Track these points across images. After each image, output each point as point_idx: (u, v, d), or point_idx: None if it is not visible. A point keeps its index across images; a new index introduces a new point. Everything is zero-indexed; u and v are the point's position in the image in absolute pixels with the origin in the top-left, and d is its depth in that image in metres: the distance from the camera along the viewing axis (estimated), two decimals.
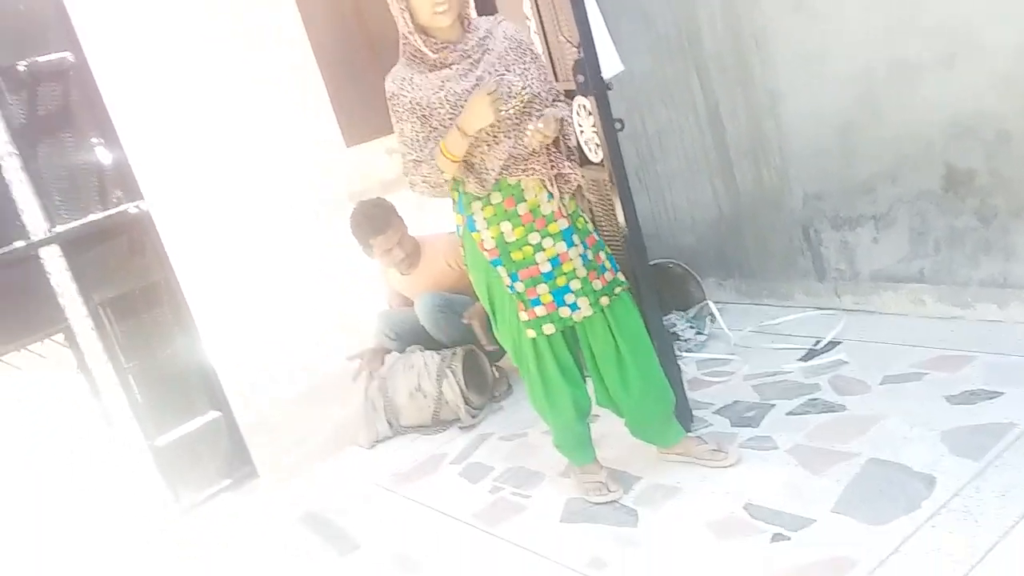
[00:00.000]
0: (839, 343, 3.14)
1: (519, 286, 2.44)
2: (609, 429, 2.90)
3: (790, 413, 2.76)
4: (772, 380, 3.02)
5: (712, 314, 3.62)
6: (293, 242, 5.12)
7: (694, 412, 2.88)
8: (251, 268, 4.77)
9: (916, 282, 3.15)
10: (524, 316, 2.46)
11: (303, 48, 6.15)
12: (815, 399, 2.80)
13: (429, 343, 3.64)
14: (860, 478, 2.33)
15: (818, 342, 3.18)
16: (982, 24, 2.66)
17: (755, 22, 3.26)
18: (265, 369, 4.42)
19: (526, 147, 2.35)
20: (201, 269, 4.27)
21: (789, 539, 2.18)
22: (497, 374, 3.63)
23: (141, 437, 3.29)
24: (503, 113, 2.28)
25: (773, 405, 2.84)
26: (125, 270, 3.33)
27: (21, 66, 3.10)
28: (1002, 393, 2.51)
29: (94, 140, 3.26)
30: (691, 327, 3.53)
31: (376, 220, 3.60)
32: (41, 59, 3.14)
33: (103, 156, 3.27)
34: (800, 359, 3.10)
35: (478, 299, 2.62)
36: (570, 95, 2.79)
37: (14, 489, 3.16)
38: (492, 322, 2.59)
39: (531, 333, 2.48)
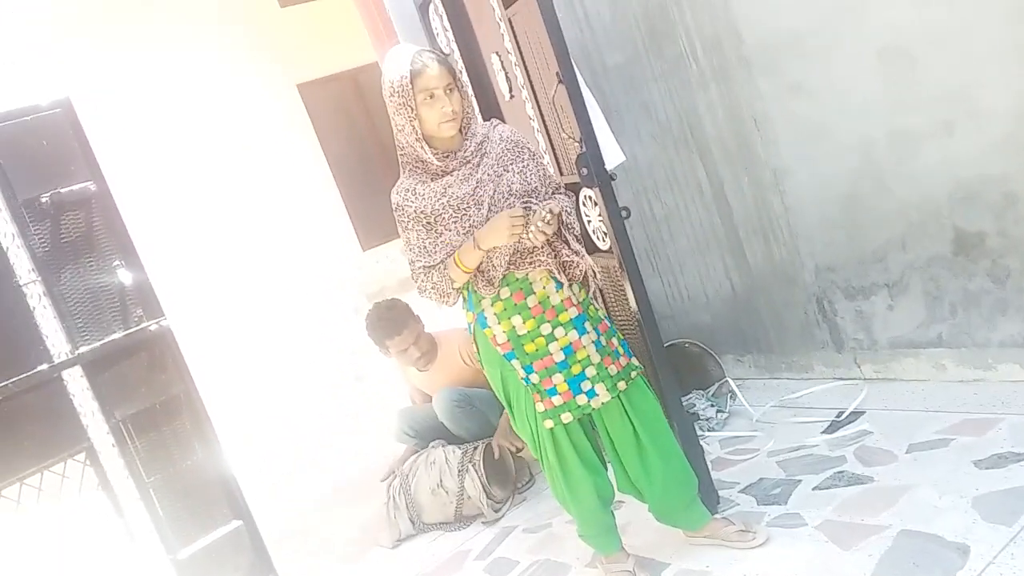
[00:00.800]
0: (862, 413, 3.09)
1: (534, 377, 2.44)
2: (634, 516, 2.85)
3: (817, 488, 2.70)
4: (797, 455, 2.96)
5: (732, 391, 3.59)
6: (312, 347, 5.16)
7: (720, 492, 2.83)
8: (270, 374, 4.81)
9: (935, 347, 3.11)
10: (541, 407, 2.46)
11: (317, 157, 6.35)
12: (841, 472, 2.74)
13: (450, 439, 3.63)
14: (892, 551, 2.26)
15: (841, 413, 3.13)
16: (978, 91, 2.71)
17: (754, 105, 3.33)
18: (286, 475, 4.40)
19: (530, 243, 2.39)
20: (220, 379, 4.30)
21: None
22: (518, 466, 3.59)
23: (163, 551, 3.25)
24: (522, 240, 2.32)
25: (799, 480, 2.78)
26: (146, 386, 3.35)
27: (44, 197, 3.20)
28: None
29: (116, 263, 3.33)
30: (712, 406, 3.50)
31: (391, 322, 3.64)
32: (63, 189, 3.26)
33: (124, 277, 3.34)
34: (824, 432, 3.05)
35: (496, 398, 2.62)
36: (575, 188, 2.85)
37: None
38: (510, 416, 2.58)
39: (549, 424, 2.46)
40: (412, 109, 2.33)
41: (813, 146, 3.21)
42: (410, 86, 2.31)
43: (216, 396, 4.01)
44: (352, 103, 7.34)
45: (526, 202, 2.41)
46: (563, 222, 2.46)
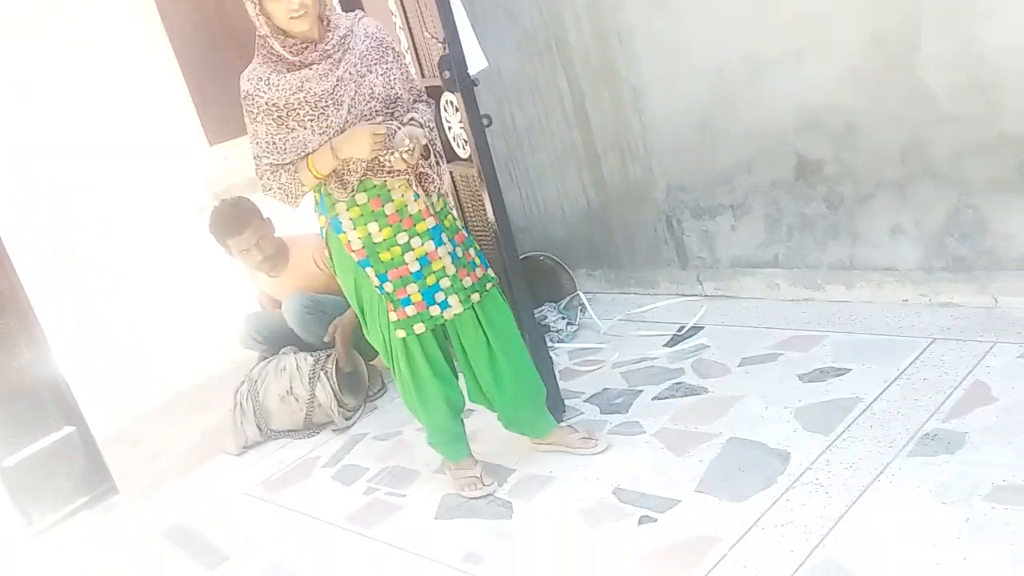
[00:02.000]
0: (701, 328, 3.25)
1: (388, 286, 2.41)
2: (483, 424, 2.91)
3: (656, 398, 2.84)
4: (639, 367, 3.09)
5: (583, 304, 3.69)
6: (153, 245, 4.89)
7: (566, 401, 2.92)
8: (106, 274, 4.53)
9: (771, 267, 3.30)
10: (394, 316, 2.43)
11: (160, 40, 5.89)
12: (679, 383, 2.89)
13: (300, 345, 3.55)
14: (721, 457, 2.42)
15: (682, 328, 3.28)
16: (830, 20, 2.79)
17: (618, 20, 3.33)
18: (123, 379, 4.20)
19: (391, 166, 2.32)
20: (51, 277, 4.02)
21: (656, 520, 2.24)
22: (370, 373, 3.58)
23: None
24: (377, 155, 2.26)
25: (640, 391, 2.92)
26: None
27: None
28: (849, 370, 2.65)
29: None
30: (563, 318, 3.58)
31: (232, 221, 3.49)
32: None
33: None
34: (665, 345, 3.19)
35: (347, 301, 2.57)
36: (436, 91, 2.77)
37: None
38: (362, 323, 2.55)
39: (401, 333, 2.45)
40: (257, 4, 2.19)
41: (672, 66, 3.25)
42: None
43: (46, 295, 3.75)
44: None
45: (389, 114, 2.32)
46: (427, 140, 2.40)
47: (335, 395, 3.35)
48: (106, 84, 5.33)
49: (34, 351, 3.21)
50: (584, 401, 2.96)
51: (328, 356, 3.44)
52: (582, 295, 3.73)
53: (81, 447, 3.29)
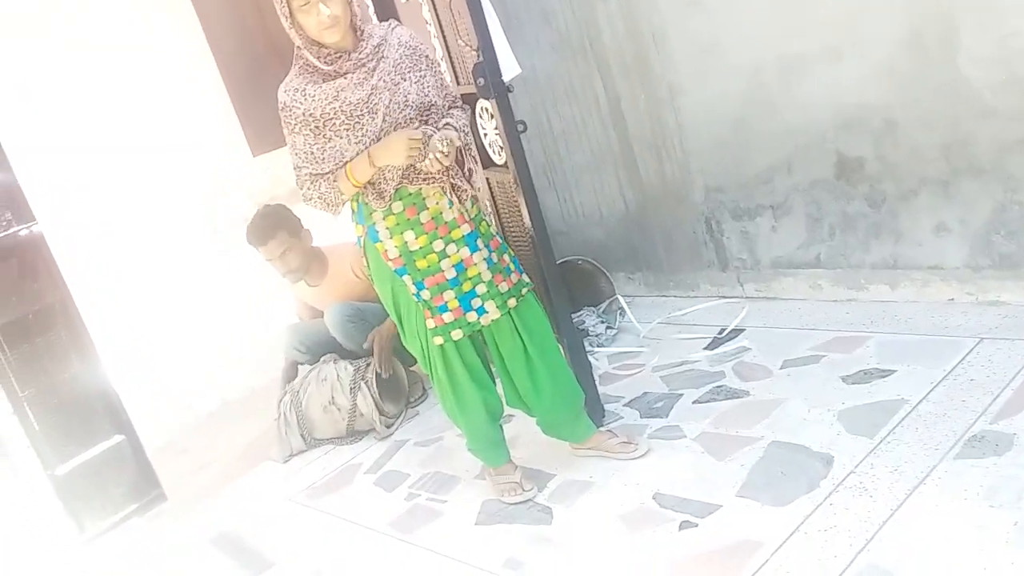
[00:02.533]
0: (742, 330, 3.21)
1: (425, 294, 2.43)
2: (522, 429, 2.91)
3: (696, 401, 2.82)
4: (679, 370, 3.07)
5: (622, 308, 3.67)
6: (198, 256, 4.98)
7: (605, 406, 2.91)
8: (153, 285, 4.63)
9: (813, 267, 3.25)
10: (431, 323, 2.45)
11: (205, 55, 6.00)
12: (720, 386, 2.86)
13: (341, 354, 3.59)
14: (763, 461, 2.39)
15: (722, 330, 3.25)
16: (864, 18, 2.75)
17: (652, 19, 3.31)
18: (171, 389, 4.29)
19: (426, 168, 2.33)
20: (99, 289, 4.11)
21: (696, 526, 2.22)
22: (410, 380, 3.60)
23: (40, 467, 3.16)
24: (416, 164, 2.28)
25: (681, 395, 2.89)
26: (17, 295, 3.20)
27: None
28: (894, 371, 2.60)
29: None
30: (602, 322, 3.57)
31: (258, 231, 3.54)
32: None
33: None
34: (706, 348, 3.17)
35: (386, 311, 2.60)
36: (471, 98, 2.79)
37: None
38: (400, 331, 2.57)
39: (439, 340, 2.46)
40: (288, 17, 2.23)
41: (707, 65, 3.23)
42: None
43: (95, 306, 3.84)
44: None
45: (424, 121, 2.34)
46: (462, 143, 2.41)
47: (376, 404, 3.38)
48: (152, 96, 5.44)
49: (84, 362, 3.29)
50: (624, 405, 2.95)
51: (368, 365, 3.47)
52: (621, 299, 3.71)
53: (131, 455, 3.36)
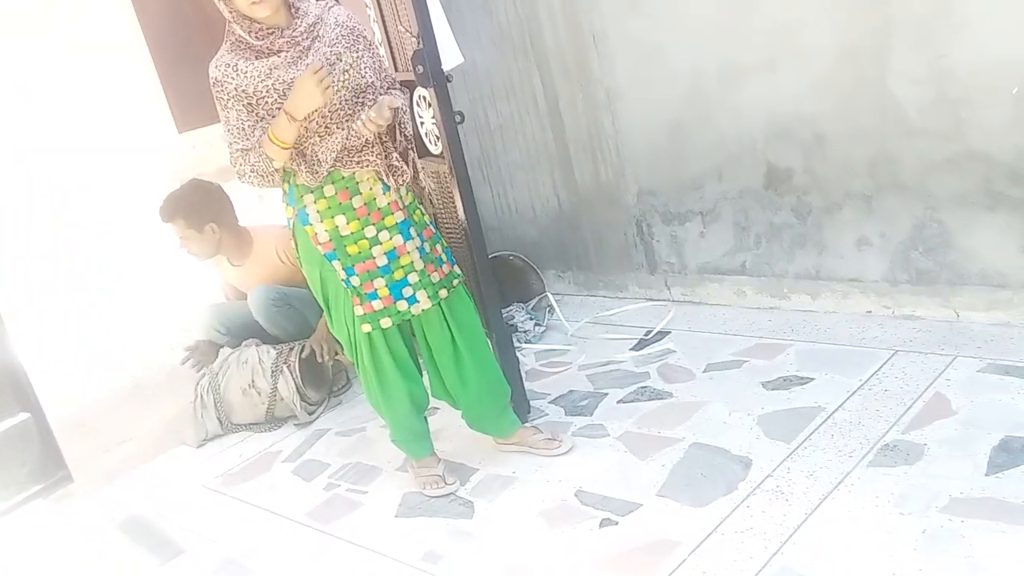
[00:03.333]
0: (668, 333, 3.26)
1: (355, 280, 2.39)
2: (446, 422, 2.90)
3: (621, 401, 2.84)
4: (605, 369, 3.10)
5: (551, 306, 3.69)
6: (117, 230, 4.81)
7: (531, 402, 2.91)
8: (66, 257, 4.45)
9: (739, 274, 3.32)
10: (360, 310, 2.41)
11: (130, 24, 5.78)
12: (644, 387, 2.90)
13: (264, 338, 3.51)
14: (684, 462, 2.42)
15: (649, 332, 3.30)
16: (803, 30, 2.82)
17: (593, 21, 3.33)
18: (82, 366, 4.12)
19: (359, 137, 2.29)
20: (7, 259, 3.94)
21: (617, 524, 2.24)
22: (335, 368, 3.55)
23: None
24: (332, 92, 2.20)
25: (606, 394, 2.92)
26: None
27: None
28: (812, 379, 2.68)
29: None
30: (531, 319, 3.57)
31: (161, 211, 3.51)
32: None
33: None
34: (632, 348, 3.20)
35: (314, 296, 2.54)
36: (410, 86, 2.75)
37: None
38: (327, 316, 2.52)
39: (367, 327, 2.43)
40: None
41: (646, 69, 3.26)
42: None
43: (2, 277, 3.67)
44: None
45: (360, 102, 2.29)
46: (397, 121, 2.38)
47: (298, 389, 3.31)
48: (75, 66, 5.23)
49: None
50: (549, 402, 2.96)
51: (291, 349, 3.40)
52: (551, 296, 3.73)
53: (36, 434, 3.22)
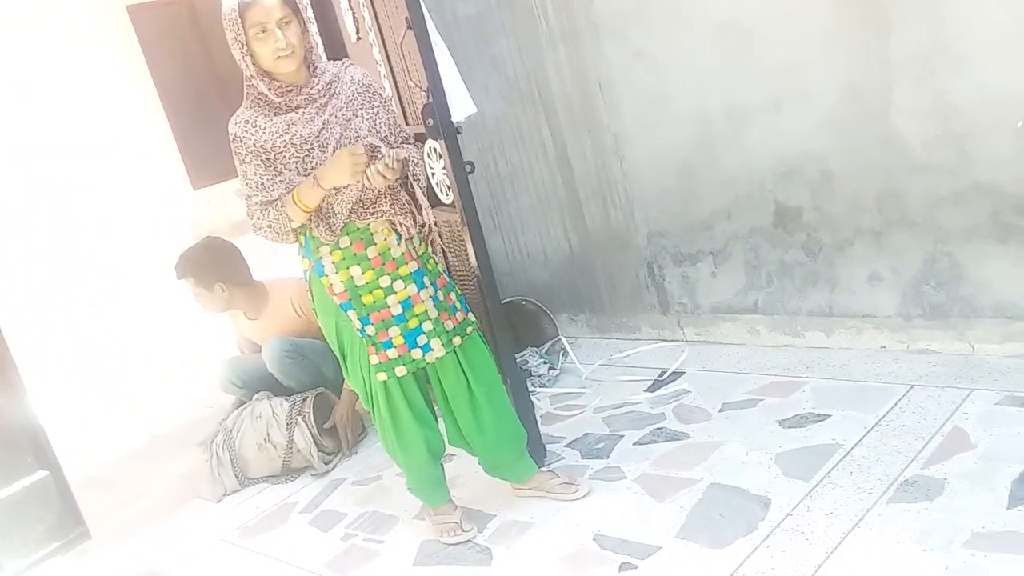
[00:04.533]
0: (682, 373, 3.25)
1: (370, 329, 2.41)
2: (463, 469, 2.89)
3: (637, 443, 2.83)
4: (621, 411, 3.09)
5: (565, 349, 3.69)
6: (135, 289, 4.88)
7: (547, 446, 2.90)
8: (83, 316, 4.51)
9: (751, 313, 3.32)
10: (375, 359, 2.43)
11: (147, 87, 5.93)
12: (660, 428, 2.88)
13: (277, 390, 3.52)
14: (702, 503, 2.41)
15: (663, 373, 3.29)
16: (807, 70, 2.86)
17: (600, 69, 3.38)
18: (99, 424, 4.15)
19: (372, 190, 2.34)
20: (28, 318, 3.99)
21: (636, 567, 2.22)
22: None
23: None
24: (364, 187, 2.27)
25: (622, 436, 2.91)
26: None
27: None
28: (829, 415, 2.66)
29: None
30: (544, 363, 3.58)
31: (176, 267, 3.57)
32: None
33: None
34: (647, 390, 3.19)
35: (328, 346, 2.56)
36: (420, 138, 2.80)
37: None
38: (342, 367, 2.54)
39: (382, 376, 2.44)
40: (244, 45, 2.22)
41: (653, 114, 3.30)
42: (239, 20, 2.21)
43: (22, 336, 3.72)
44: (186, 29, 6.86)
45: (373, 158, 2.34)
46: (410, 173, 2.42)
47: (314, 439, 3.31)
48: (97, 130, 5.36)
49: (9, 394, 3.16)
50: (565, 446, 2.95)
51: (304, 400, 3.41)
52: (564, 340, 3.74)
53: (55, 492, 3.22)
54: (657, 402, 3.08)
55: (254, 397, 3.48)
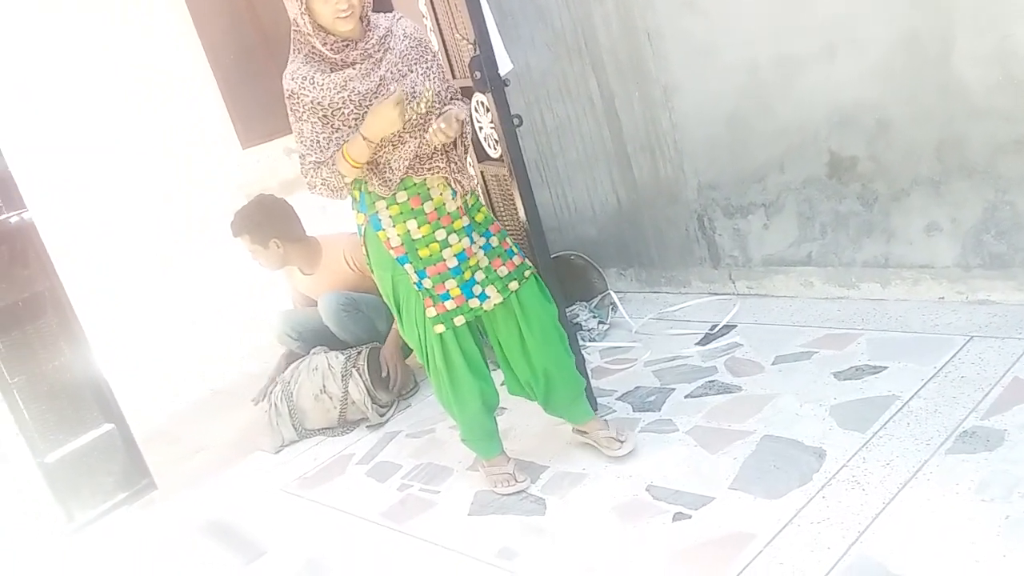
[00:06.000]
0: (734, 326, 3.24)
1: (427, 282, 2.43)
2: (515, 421, 2.93)
3: (689, 396, 2.84)
4: (671, 365, 3.09)
5: (614, 303, 3.69)
6: (190, 246, 4.97)
7: (598, 399, 2.92)
8: (144, 274, 4.62)
9: (804, 265, 3.28)
10: (433, 311, 2.44)
11: (193, 46, 5.97)
12: (712, 381, 2.88)
13: (333, 343, 3.59)
14: (756, 455, 2.41)
15: (714, 326, 3.28)
16: (861, 18, 2.78)
17: (647, 19, 3.33)
18: (162, 378, 4.28)
19: (429, 145, 2.34)
20: (90, 277, 4.10)
21: (690, 517, 2.24)
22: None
23: (29, 454, 3.13)
24: (409, 119, 2.26)
25: (673, 389, 2.91)
26: (7, 282, 3.17)
27: None
28: (885, 368, 2.63)
29: None
30: (594, 317, 3.58)
31: (232, 225, 3.64)
32: None
33: None
34: (697, 343, 3.19)
35: (383, 303, 2.59)
36: (467, 92, 2.79)
37: None
38: (398, 320, 2.57)
39: (440, 328, 2.46)
40: (303, 2, 2.21)
41: (702, 64, 3.25)
42: None
43: (85, 294, 3.83)
44: None
45: (430, 106, 2.32)
46: (465, 118, 2.41)
47: (368, 391, 3.38)
48: (145, 92, 5.42)
49: (74, 350, 3.27)
50: (616, 399, 2.96)
51: (359, 353, 3.47)
52: (613, 294, 3.74)
53: (121, 444, 3.34)
54: (708, 355, 3.07)
55: (311, 351, 3.55)
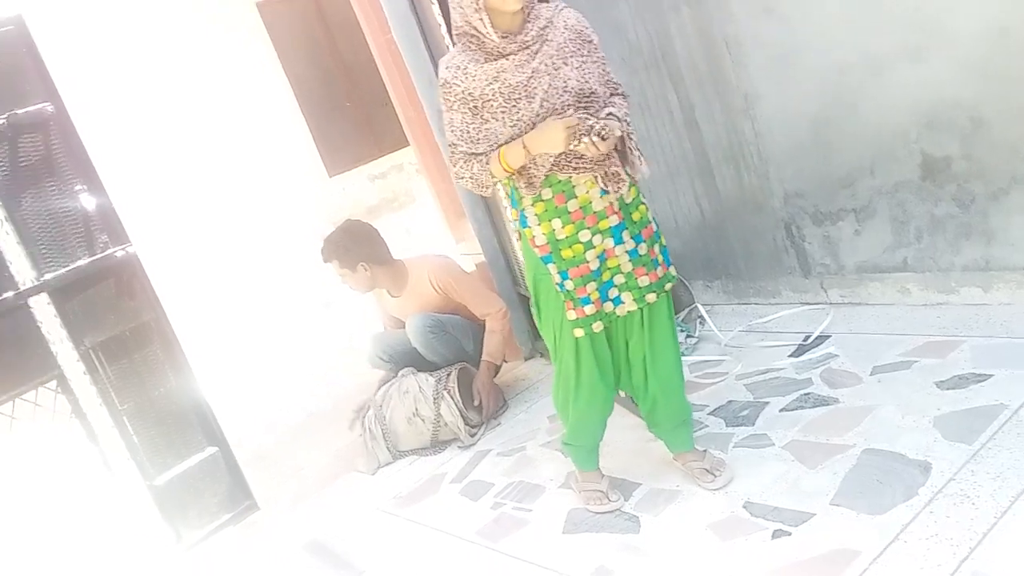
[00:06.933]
0: (828, 337, 3.16)
1: (569, 284, 2.37)
2: (609, 438, 2.89)
3: (784, 409, 2.78)
4: (764, 378, 3.03)
5: (702, 316, 3.65)
6: (281, 272, 5.13)
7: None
8: (239, 301, 4.78)
9: (900, 271, 3.18)
10: (573, 315, 2.38)
11: (280, 80, 6.19)
12: (807, 394, 2.82)
13: (422, 364, 3.65)
14: (856, 469, 2.34)
15: (807, 337, 3.20)
16: (946, 16, 2.70)
17: (726, 28, 3.30)
18: (261, 402, 4.42)
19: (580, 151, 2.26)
20: (191, 306, 4.28)
21: (790, 534, 2.19)
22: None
23: (140, 478, 3.28)
24: (574, 147, 2.21)
25: (767, 403, 2.86)
26: (114, 313, 3.33)
27: (0, 120, 3.12)
28: (991, 375, 2.53)
29: (77, 187, 3.27)
30: (682, 331, 3.55)
31: (321, 251, 3.74)
32: (20, 111, 3.17)
33: (87, 202, 3.28)
34: (791, 355, 3.12)
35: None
36: None
37: (15, 539, 3.15)
38: (535, 315, 2.53)
39: (579, 332, 2.40)
40: None
41: (783, 70, 3.20)
42: None
43: (187, 323, 3.99)
44: (314, 23, 7.12)
45: (583, 107, 2.27)
46: (623, 133, 2.33)
47: (460, 412, 3.42)
48: (235, 123, 5.64)
49: (179, 377, 3.41)
50: (708, 414, 2.93)
51: (448, 375, 3.52)
52: (700, 307, 3.69)
53: (224, 466, 3.46)
54: (803, 367, 3.01)
55: (399, 373, 3.62)
